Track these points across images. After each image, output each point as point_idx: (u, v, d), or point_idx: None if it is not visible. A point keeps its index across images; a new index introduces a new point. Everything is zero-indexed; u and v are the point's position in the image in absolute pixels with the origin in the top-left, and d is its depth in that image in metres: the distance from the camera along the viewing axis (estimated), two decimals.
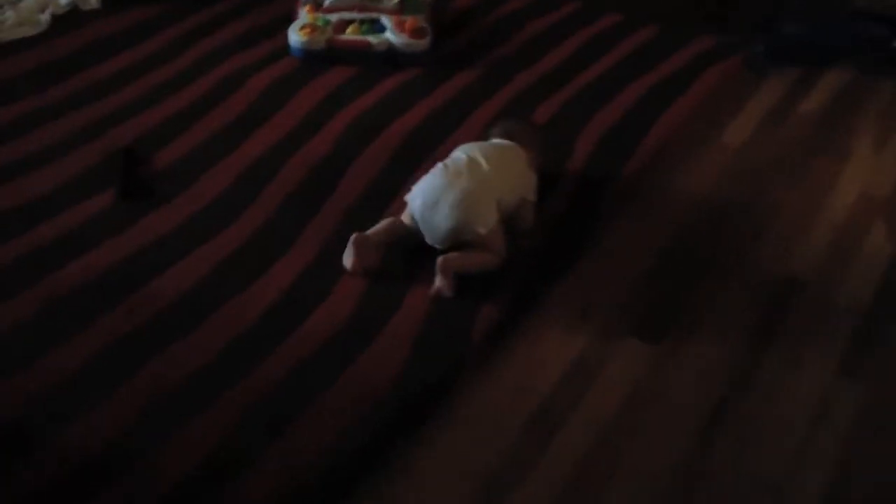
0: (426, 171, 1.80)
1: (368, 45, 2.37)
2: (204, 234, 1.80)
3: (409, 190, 1.78)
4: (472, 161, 1.75)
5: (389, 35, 2.39)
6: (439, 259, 1.66)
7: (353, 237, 1.70)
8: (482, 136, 1.96)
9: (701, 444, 1.44)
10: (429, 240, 1.72)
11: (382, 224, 1.75)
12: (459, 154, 1.80)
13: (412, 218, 1.73)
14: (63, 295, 1.64)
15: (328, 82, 2.33)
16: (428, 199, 1.71)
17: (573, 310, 1.68)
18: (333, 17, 2.43)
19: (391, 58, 2.39)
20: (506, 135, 1.90)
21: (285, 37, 2.45)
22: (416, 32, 2.39)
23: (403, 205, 1.78)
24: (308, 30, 2.39)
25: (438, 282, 1.65)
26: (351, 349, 1.55)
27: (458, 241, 1.69)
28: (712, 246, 1.84)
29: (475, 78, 2.37)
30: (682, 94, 2.31)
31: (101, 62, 2.39)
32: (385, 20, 2.42)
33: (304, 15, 2.45)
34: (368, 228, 1.74)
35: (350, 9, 2.46)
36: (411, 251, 1.74)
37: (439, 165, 1.77)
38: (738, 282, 1.75)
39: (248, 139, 2.10)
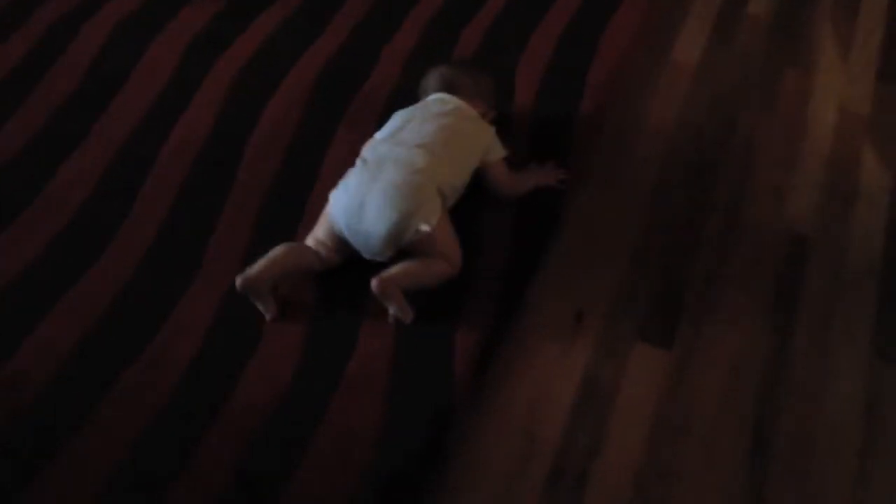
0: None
1: None
2: (71, 270, 1.36)
3: (323, 193, 1.39)
4: (395, 144, 1.37)
5: None
6: (373, 281, 1.28)
7: (238, 283, 1.28)
8: (418, 90, 1.56)
9: (752, 476, 1.20)
10: (365, 254, 1.34)
11: (274, 254, 1.31)
12: (386, 132, 1.41)
13: (339, 231, 1.34)
14: None
15: (190, 21, 1.84)
16: (351, 203, 1.32)
17: (563, 316, 1.37)
18: None
19: None
20: (446, 87, 1.52)
21: None
22: None
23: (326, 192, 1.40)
24: None
25: (391, 309, 1.30)
26: (305, 420, 1.19)
27: (400, 247, 1.33)
28: (698, 204, 1.56)
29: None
30: (619, 4, 1.96)
31: None
32: None
33: None
34: (275, 247, 1.32)
35: None
36: (350, 268, 1.37)
37: (358, 162, 1.38)
38: (738, 250, 1.49)
39: (100, 118, 1.62)
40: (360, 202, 1.31)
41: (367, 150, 1.38)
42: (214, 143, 1.57)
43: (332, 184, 1.39)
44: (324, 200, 1.41)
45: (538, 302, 1.39)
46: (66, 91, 1.67)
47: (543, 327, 1.36)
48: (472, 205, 1.43)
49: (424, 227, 1.31)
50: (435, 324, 1.30)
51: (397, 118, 1.45)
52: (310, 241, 1.35)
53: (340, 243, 1.33)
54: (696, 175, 1.61)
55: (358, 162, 1.37)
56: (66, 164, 1.52)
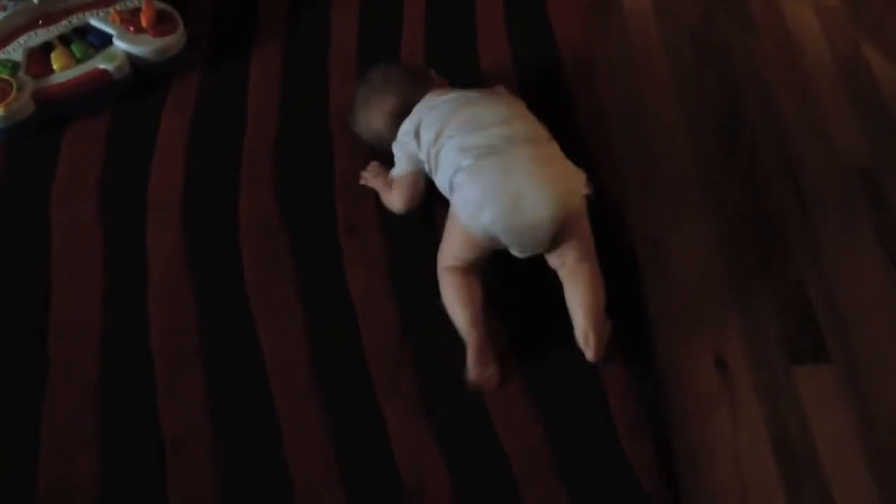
0: None
1: (107, 75, 1.47)
2: None
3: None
4: (485, 129, 1.19)
5: (122, 45, 1.49)
6: (587, 341, 1.15)
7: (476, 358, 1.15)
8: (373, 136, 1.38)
9: None
10: (522, 251, 1.18)
11: (466, 311, 1.16)
12: (459, 127, 1.21)
13: (491, 237, 1.16)
14: None
15: (83, 163, 1.43)
16: (501, 204, 1.14)
17: (705, 370, 1.21)
18: (19, 53, 1.47)
19: (140, 78, 1.51)
20: (406, 92, 1.33)
21: None
22: (162, 23, 1.51)
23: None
24: None
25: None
26: None
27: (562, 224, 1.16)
28: (753, 181, 1.40)
29: (293, 60, 1.57)
30: None
31: None
32: (99, 22, 1.51)
33: None
34: None
35: (30, 26, 1.50)
36: None
37: (463, 166, 1.17)
38: (822, 218, 1.35)
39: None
40: (510, 198, 1.13)
41: (461, 152, 1.18)
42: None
43: None
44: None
45: (668, 363, 1.21)
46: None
47: (694, 394, 1.19)
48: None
49: (587, 190, 1.19)
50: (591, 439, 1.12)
51: (450, 114, 1.23)
52: (451, 261, 1.19)
53: (487, 250, 1.18)
54: (730, 146, 1.44)
55: (462, 166, 1.17)
56: None
